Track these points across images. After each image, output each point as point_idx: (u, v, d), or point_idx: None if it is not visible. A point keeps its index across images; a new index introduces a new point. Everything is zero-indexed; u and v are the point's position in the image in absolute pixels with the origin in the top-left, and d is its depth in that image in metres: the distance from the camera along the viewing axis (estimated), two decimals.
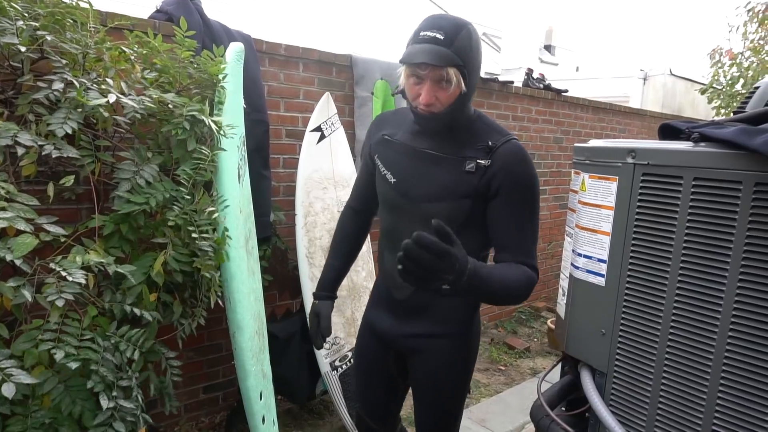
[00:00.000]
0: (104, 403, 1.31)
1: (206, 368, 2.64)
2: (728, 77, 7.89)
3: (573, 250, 1.30)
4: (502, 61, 13.06)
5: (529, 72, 4.30)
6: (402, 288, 1.47)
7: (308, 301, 2.47)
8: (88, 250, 1.43)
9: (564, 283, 1.34)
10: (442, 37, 1.18)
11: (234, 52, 1.97)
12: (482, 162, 1.28)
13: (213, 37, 2.31)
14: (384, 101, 3.01)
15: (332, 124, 2.69)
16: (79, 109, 1.41)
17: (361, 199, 1.68)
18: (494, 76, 3.82)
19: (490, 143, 1.29)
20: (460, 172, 1.30)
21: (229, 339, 2.02)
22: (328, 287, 1.71)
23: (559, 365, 1.45)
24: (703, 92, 8.25)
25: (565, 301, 1.32)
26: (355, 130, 2.97)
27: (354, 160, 2.86)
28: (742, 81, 7.81)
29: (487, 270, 1.12)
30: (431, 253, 0.95)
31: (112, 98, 1.40)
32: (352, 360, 2.64)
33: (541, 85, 4.33)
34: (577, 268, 1.28)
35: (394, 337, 1.52)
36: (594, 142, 1.28)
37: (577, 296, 1.28)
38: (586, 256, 1.25)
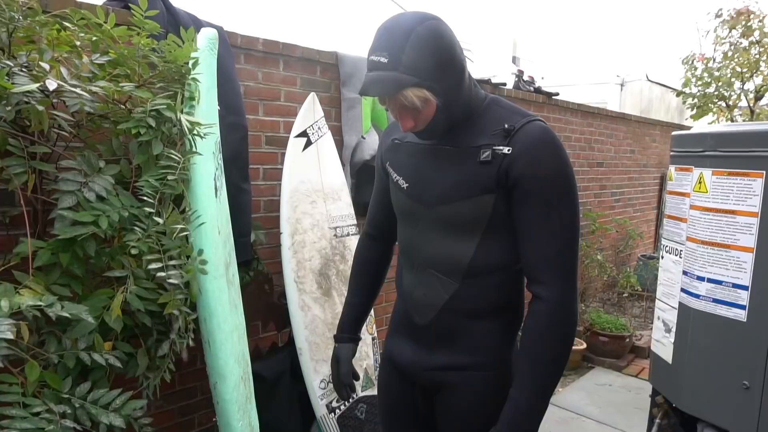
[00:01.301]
0: None
1: (179, 417, 2.24)
2: (701, 81, 7.92)
3: (685, 272, 1.00)
4: (474, 71, 12.99)
5: (520, 74, 4.07)
6: (424, 311, 1.24)
7: (298, 332, 2.12)
8: (19, 290, 1.07)
9: (667, 315, 1.03)
10: (386, 60, 1.03)
11: (206, 39, 1.63)
12: (500, 149, 1.08)
13: (178, 27, 1.97)
14: (374, 103, 2.71)
15: (319, 128, 2.36)
16: (3, 102, 1.05)
17: (377, 224, 1.47)
18: (487, 78, 3.56)
19: (506, 126, 1.09)
20: (475, 164, 1.12)
21: (204, 381, 1.67)
22: (348, 328, 1.48)
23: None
24: (678, 95, 8.29)
25: (671, 340, 1.01)
26: (343, 136, 2.65)
27: (343, 168, 2.53)
28: (714, 85, 7.86)
29: (521, 400, 1.06)
30: None
31: (51, 85, 1.04)
32: (350, 400, 2.29)
33: (532, 88, 4.10)
34: (695, 296, 0.98)
35: (417, 370, 1.29)
36: (723, 126, 0.98)
37: (696, 334, 0.97)
38: (711, 281, 0.95)
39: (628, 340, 3.84)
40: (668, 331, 1.02)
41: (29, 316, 1.00)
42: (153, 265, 1.15)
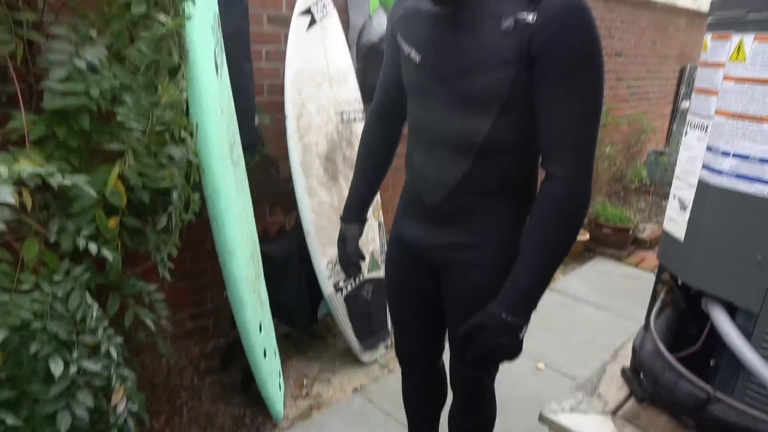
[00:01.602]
0: (56, 370, 0.99)
1: (191, 294, 2.35)
2: None
3: (709, 148, 0.96)
4: None
5: None
6: (434, 190, 1.22)
7: (305, 216, 2.15)
8: (18, 159, 1.06)
9: (684, 192, 1.01)
10: None
11: None
12: (523, 16, 0.98)
13: None
14: None
15: (324, 6, 2.22)
16: None
17: (386, 101, 1.38)
18: None
19: None
20: (496, 34, 1.01)
21: (215, 261, 1.72)
22: (354, 209, 1.46)
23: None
24: None
25: (686, 218, 0.99)
26: (349, 16, 2.50)
27: (350, 51, 2.42)
28: None
29: (522, 278, 1.07)
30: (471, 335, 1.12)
31: None
32: (357, 280, 2.37)
33: None
34: (717, 172, 0.94)
35: (425, 248, 1.29)
36: None
37: (713, 211, 0.95)
38: (737, 156, 0.91)
39: (631, 232, 3.88)
40: (683, 208, 0.99)
41: (31, 185, 1.00)
42: (136, 133, 1.11)
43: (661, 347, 0.95)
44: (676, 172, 1.04)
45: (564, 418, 0.97)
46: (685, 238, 0.98)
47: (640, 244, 4.04)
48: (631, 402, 1.08)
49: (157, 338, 1.47)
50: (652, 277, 1.17)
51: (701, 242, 0.96)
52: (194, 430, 1.97)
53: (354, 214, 1.46)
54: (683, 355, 0.97)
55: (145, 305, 1.43)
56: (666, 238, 1.03)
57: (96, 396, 1.05)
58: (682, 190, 1.00)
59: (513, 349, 1.11)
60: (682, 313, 1.05)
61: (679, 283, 1.04)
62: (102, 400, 1.11)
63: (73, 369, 1.00)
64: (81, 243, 1.11)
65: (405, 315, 1.47)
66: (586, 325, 2.93)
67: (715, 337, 0.98)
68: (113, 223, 1.17)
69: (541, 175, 1.11)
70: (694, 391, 0.90)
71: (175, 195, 1.23)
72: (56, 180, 1.01)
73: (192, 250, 2.27)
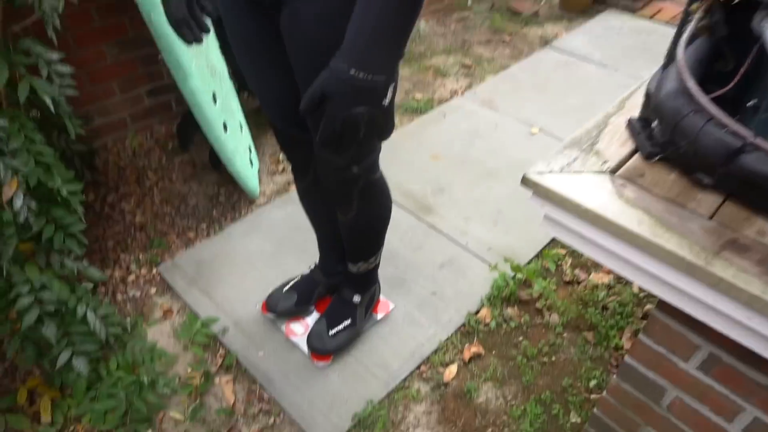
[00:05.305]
0: None
1: (142, 68, 2.07)
2: None
3: None
4: None
5: None
6: None
7: None
8: None
9: None
10: None
11: None
12: None
13: None
14: None
15: None
16: None
17: None
18: None
19: None
20: None
21: None
22: None
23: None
24: None
25: None
26: None
27: None
28: None
29: (367, 17, 0.74)
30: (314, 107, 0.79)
31: None
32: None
33: None
34: None
35: None
36: None
37: None
38: None
39: None
40: None
41: None
42: None
43: (690, 83, 0.73)
44: None
45: (550, 179, 0.79)
46: None
47: None
48: (636, 159, 0.89)
49: (65, 117, 1.23)
50: (667, 31, 0.88)
51: None
52: (167, 210, 1.89)
53: None
54: (712, 96, 0.75)
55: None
56: None
57: None
58: None
59: (378, 121, 0.82)
60: (718, 42, 0.81)
61: None
62: None
63: None
64: None
65: (261, 81, 1.11)
66: (587, 86, 2.68)
67: (760, 71, 0.76)
68: None
69: None
70: (724, 137, 0.70)
71: None
72: None
73: (130, 13, 1.93)
